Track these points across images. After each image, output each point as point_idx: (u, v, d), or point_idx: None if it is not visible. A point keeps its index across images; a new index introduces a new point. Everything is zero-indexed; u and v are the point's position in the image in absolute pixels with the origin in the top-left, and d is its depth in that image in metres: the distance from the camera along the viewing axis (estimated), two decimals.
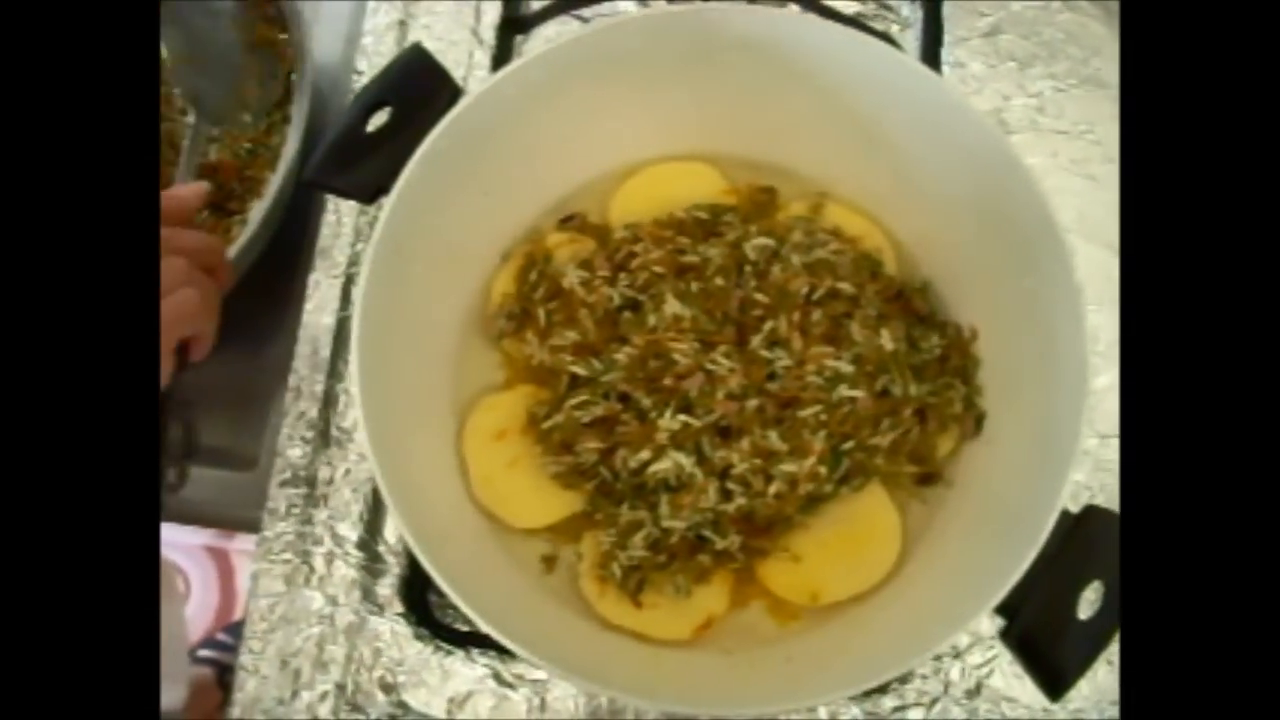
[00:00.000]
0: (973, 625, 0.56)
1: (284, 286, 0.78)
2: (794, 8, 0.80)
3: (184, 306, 0.58)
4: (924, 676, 0.66)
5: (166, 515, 0.77)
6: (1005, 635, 0.54)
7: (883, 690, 0.66)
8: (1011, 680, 0.66)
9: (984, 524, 0.61)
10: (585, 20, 0.82)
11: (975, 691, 0.66)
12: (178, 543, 1.53)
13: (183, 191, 0.65)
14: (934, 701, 0.66)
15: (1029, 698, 0.66)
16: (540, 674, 0.67)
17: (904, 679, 0.66)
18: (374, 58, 0.79)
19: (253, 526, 0.71)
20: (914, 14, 0.81)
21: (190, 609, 1.52)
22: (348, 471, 0.70)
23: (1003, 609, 0.53)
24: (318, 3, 0.86)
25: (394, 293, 0.61)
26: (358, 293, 0.58)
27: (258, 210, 0.71)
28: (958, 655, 0.67)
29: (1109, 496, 0.70)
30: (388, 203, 0.59)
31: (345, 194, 0.64)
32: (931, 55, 0.79)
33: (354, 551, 0.69)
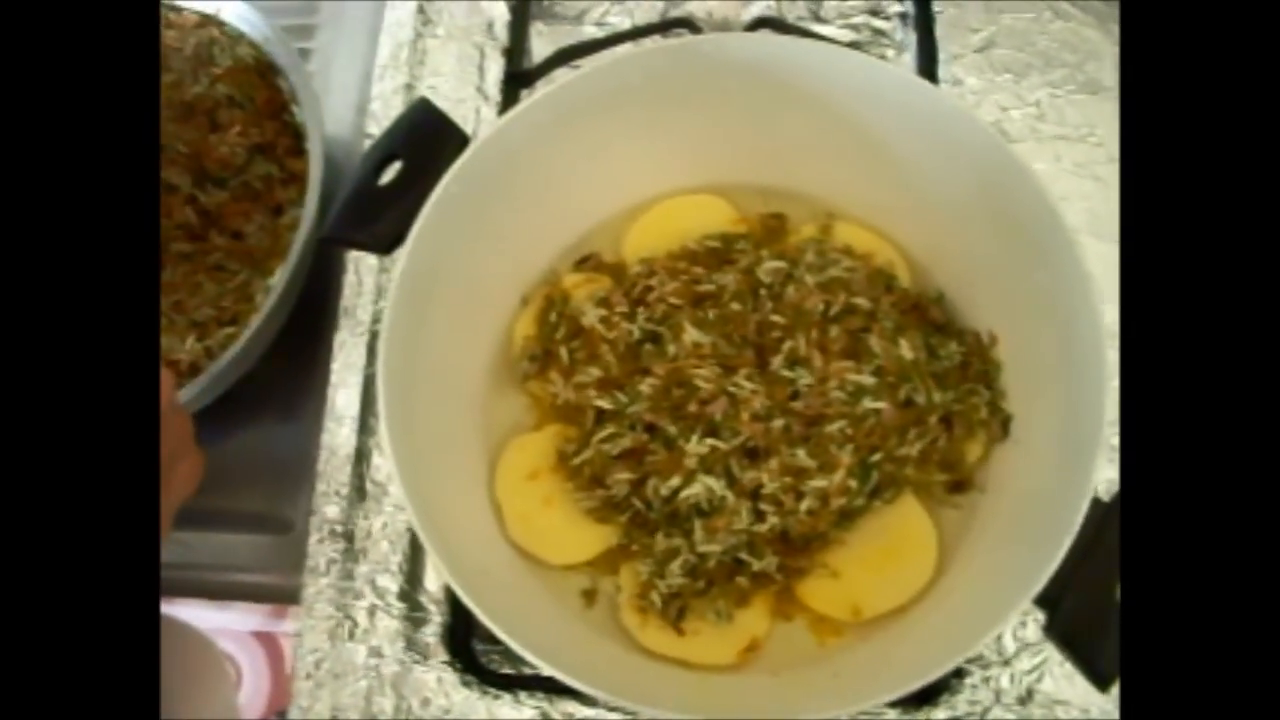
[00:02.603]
0: (1014, 618, 0.55)
1: (310, 351, 0.79)
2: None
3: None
4: (974, 686, 0.66)
5: (206, 592, 0.78)
6: (1049, 629, 0.53)
7: (933, 703, 0.66)
8: (1062, 683, 0.65)
9: (1019, 524, 0.61)
10: None
11: (1027, 698, 0.65)
12: (226, 630, 1.53)
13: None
14: (985, 712, 0.65)
15: (1082, 699, 0.65)
16: (588, 712, 0.66)
17: (954, 690, 0.66)
18: (383, 121, 0.81)
19: (292, 594, 0.71)
20: (907, 37, 0.83)
21: (242, 697, 1.52)
22: (384, 524, 0.71)
23: (1043, 601, 0.53)
24: (329, 74, 0.88)
25: (417, 340, 0.62)
26: (381, 340, 0.60)
27: (280, 275, 0.73)
28: (1006, 662, 0.66)
29: None
30: (404, 250, 0.60)
31: (364, 246, 0.65)
32: (928, 75, 0.80)
33: (395, 603, 0.69)
